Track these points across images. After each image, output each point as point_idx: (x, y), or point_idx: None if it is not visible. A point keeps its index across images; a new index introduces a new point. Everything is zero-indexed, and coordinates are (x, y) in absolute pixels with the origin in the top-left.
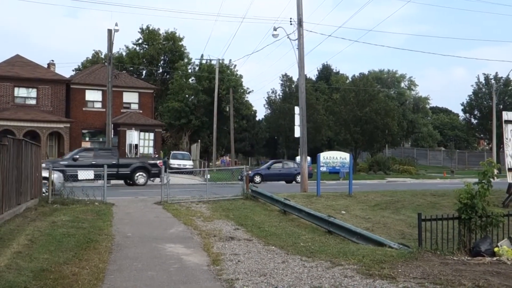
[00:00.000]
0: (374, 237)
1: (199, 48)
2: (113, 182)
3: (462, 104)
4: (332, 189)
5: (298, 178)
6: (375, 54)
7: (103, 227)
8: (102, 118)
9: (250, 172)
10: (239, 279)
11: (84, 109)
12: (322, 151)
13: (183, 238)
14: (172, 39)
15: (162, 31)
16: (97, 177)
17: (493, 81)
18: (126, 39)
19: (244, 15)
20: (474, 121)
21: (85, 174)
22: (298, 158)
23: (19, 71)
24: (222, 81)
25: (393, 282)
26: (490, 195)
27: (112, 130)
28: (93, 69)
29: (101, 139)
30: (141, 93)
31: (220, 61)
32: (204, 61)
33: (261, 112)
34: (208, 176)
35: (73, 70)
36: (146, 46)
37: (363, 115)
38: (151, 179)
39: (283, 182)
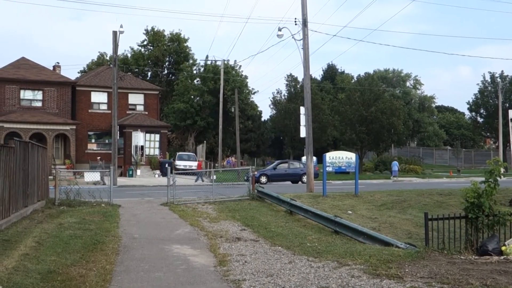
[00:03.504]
0: (380, 237)
1: (204, 49)
2: (119, 184)
3: (468, 103)
4: (338, 189)
5: (304, 178)
6: (380, 53)
7: (110, 229)
8: (107, 119)
9: (256, 172)
10: (246, 279)
11: (89, 111)
12: (328, 151)
13: (190, 239)
14: (177, 40)
15: (167, 32)
16: None
17: (498, 80)
18: (131, 41)
19: (248, 16)
20: (480, 119)
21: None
22: (304, 158)
23: (25, 74)
24: (227, 82)
25: (400, 281)
26: (497, 193)
27: (118, 132)
28: (98, 71)
29: (107, 141)
30: (147, 95)
31: (225, 62)
32: (209, 62)
33: (266, 112)
34: (214, 177)
35: (78, 72)
36: (151, 47)
37: (368, 114)
38: None
39: (289, 183)
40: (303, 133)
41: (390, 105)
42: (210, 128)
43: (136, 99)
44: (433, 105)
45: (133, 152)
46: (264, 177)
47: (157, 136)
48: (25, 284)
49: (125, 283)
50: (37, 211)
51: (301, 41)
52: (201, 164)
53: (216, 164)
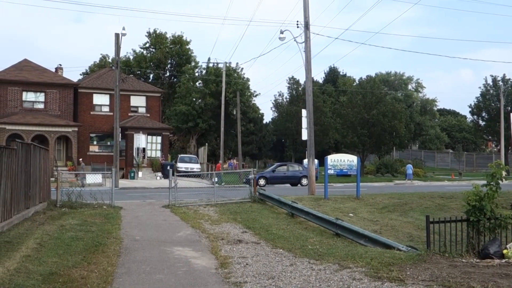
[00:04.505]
0: (382, 239)
1: (206, 51)
2: (120, 186)
3: (470, 106)
4: (340, 191)
5: (303, 181)
6: (382, 56)
7: (112, 231)
8: (109, 121)
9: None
10: (247, 282)
11: (91, 113)
12: (330, 154)
13: (191, 241)
14: (179, 42)
15: (169, 35)
16: None
17: (500, 83)
18: (133, 43)
19: (250, 18)
20: (482, 123)
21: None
22: (305, 161)
23: (27, 76)
24: (229, 84)
25: (402, 284)
26: (499, 197)
27: (120, 134)
28: (100, 73)
29: (108, 143)
30: (149, 97)
31: (227, 65)
32: (211, 65)
33: (268, 115)
34: (216, 179)
35: (80, 74)
36: (153, 49)
37: (370, 117)
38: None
39: (288, 185)
40: (304, 135)
41: (391, 108)
42: (211, 130)
43: (138, 101)
44: (435, 108)
45: (135, 154)
46: (263, 179)
47: (159, 138)
48: (26, 286)
49: (126, 285)
50: (39, 213)
51: (303, 44)
52: (220, 166)
53: None
